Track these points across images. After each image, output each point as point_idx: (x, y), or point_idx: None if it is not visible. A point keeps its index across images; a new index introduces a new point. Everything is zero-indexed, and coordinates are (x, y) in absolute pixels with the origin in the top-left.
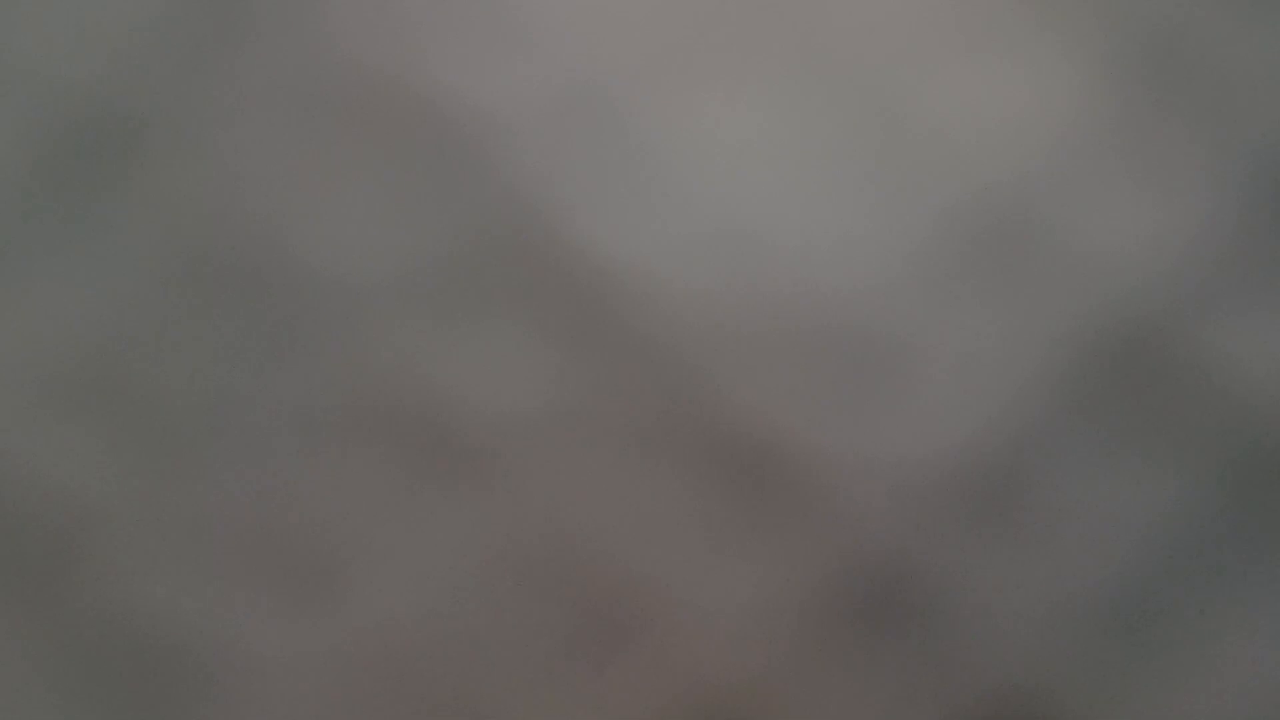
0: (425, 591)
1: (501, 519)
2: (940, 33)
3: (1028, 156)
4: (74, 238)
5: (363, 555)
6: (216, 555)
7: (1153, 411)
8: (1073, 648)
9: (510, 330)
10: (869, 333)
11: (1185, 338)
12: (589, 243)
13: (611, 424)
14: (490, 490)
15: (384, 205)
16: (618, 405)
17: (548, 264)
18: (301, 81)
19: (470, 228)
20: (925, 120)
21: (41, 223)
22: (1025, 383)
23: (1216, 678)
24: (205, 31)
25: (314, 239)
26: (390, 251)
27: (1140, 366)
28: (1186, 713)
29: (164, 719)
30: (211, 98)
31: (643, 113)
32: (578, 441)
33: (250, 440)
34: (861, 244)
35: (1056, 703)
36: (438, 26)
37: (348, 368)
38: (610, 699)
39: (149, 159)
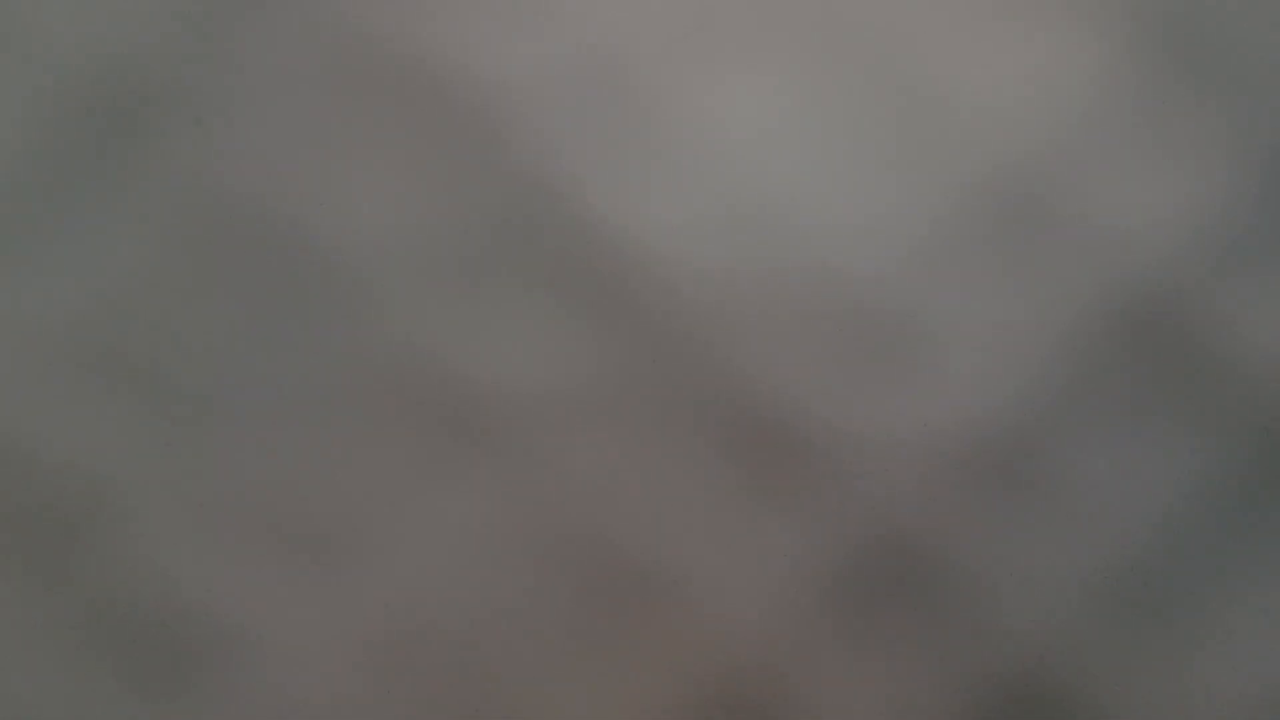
0: (441, 567)
1: (516, 496)
2: (960, 8)
3: (1048, 132)
4: (85, 211)
5: (377, 532)
6: (231, 531)
7: (1172, 388)
8: (1090, 623)
9: (525, 308)
10: (888, 309)
11: (1205, 314)
12: (606, 220)
13: (628, 401)
14: (505, 468)
15: (399, 181)
16: (634, 383)
17: (564, 241)
18: (316, 55)
19: (487, 204)
20: (944, 96)
21: (51, 196)
22: (1044, 359)
23: (1234, 654)
24: (217, 3)
25: (329, 214)
26: (405, 227)
27: (1160, 342)
28: (1203, 688)
29: (176, 693)
30: (224, 71)
31: (662, 89)
32: (593, 419)
33: (265, 416)
34: (880, 220)
35: (1074, 678)
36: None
37: (362, 343)
38: (626, 676)
39: (160, 133)
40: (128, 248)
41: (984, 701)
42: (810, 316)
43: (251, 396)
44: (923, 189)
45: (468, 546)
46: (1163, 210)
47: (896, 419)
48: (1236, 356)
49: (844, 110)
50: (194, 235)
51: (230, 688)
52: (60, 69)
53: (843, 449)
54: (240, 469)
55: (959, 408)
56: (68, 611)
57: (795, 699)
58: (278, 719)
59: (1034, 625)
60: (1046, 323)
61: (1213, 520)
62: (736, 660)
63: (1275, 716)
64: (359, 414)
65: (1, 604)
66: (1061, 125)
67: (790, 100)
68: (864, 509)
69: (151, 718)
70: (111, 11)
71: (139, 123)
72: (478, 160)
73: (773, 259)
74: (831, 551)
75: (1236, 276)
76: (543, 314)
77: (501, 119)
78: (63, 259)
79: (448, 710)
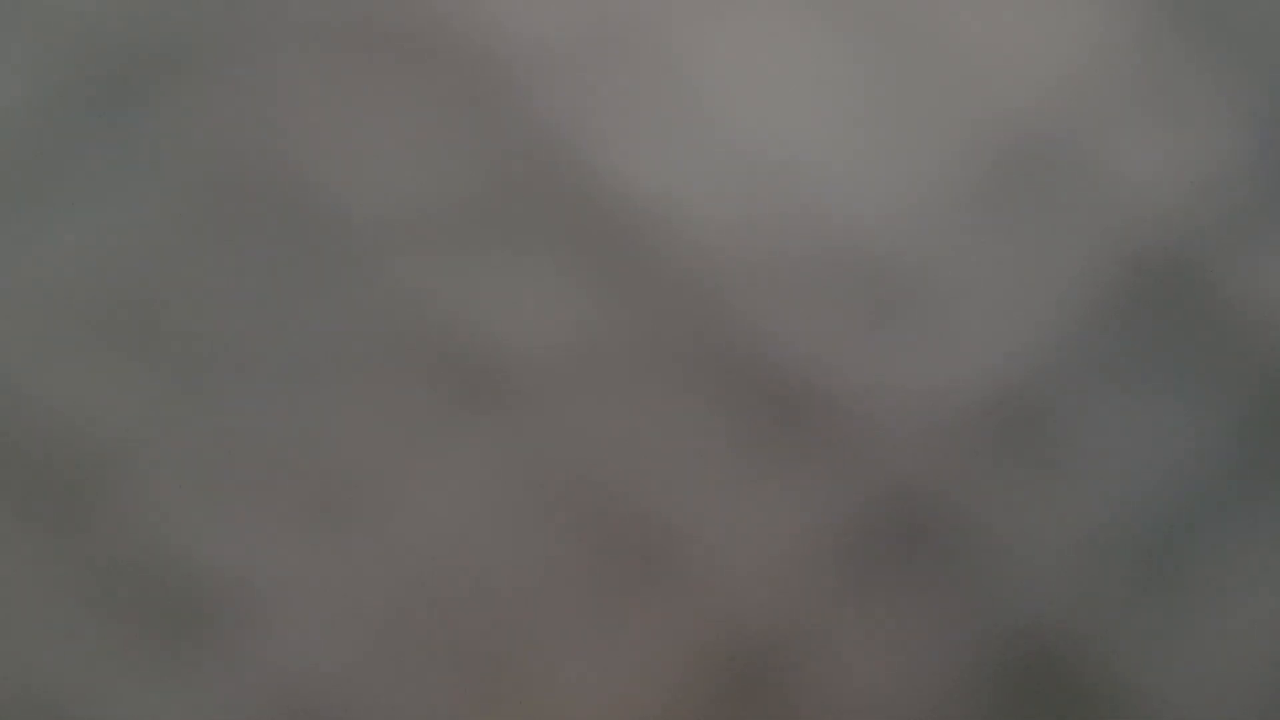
0: (452, 527)
1: (530, 454)
2: None
3: (1053, 85)
4: (96, 170)
5: (388, 491)
6: (244, 489)
7: (1178, 343)
8: (1101, 580)
9: (539, 263)
10: (897, 264)
11: (1212, 268)
12: (618, 175)
13: (640, 357)
14: (518, 425)
15: (414, 138)
16: (646, 339)
17: (578, 197)
18: (333, 14)
19: (500, 160)
20: (951, 48)
21: (61, 154)
22: (1051, 313)
23: (1246, 611)
24: None
25: (344, 172)
26: (419, 184)
27: (1166, 297)
28: (1211, 648)
29: (188, 654)
30: (242, 30)
31: (671, 43)
32: (606, 375)
33: (279, 374)
34: (889, 174)
35: (1085, 635)
36: None
37: (377, 301)
38: (636, 633)
39: (179, 91)
40: (140, 206)
41: (994, 658)
42: (823, 272)
43: (261, 356)
44: (933, 143)
45: (480, 506)
46: (1172, 162)
47: (908, 373)
48: (1249, 309)
49: (854, 63)
50: (205, 195)
51: (241, 648)
52: (71, 25)
53: (854, 404)
54: (250, 429)
55: (970, 362)
56: (78, 573)
57: (804, 656)
58: (289, 679)
59: (1045, 582)
60: (1054, 275)
61: (1225, 475)
62: (745, 617)
63: None
64: (370, 373)
65: (13, 565)
66: (1068, 77)
67: (800, 54)
68: (875, 464)
69: (164, 679)
70: None
71: (150, 80)
72: (492, 118)
73: (785, 214)
74: (842, 507)
75: (1248, 229)
76: (554, 270)
77: (516, 76)
78: (73, 218)
79: (458, 670)
